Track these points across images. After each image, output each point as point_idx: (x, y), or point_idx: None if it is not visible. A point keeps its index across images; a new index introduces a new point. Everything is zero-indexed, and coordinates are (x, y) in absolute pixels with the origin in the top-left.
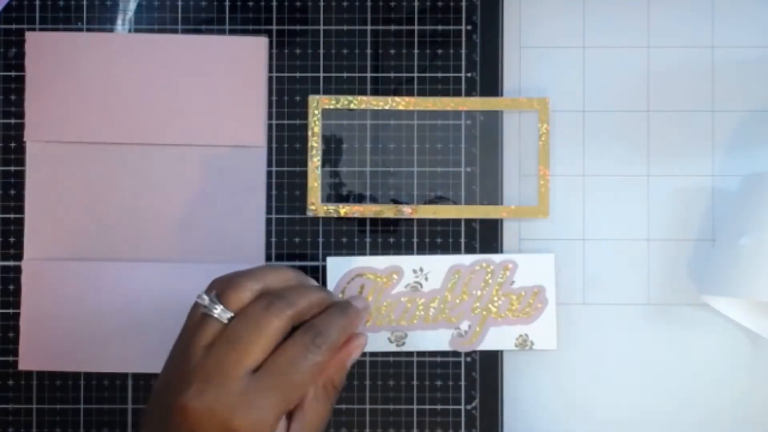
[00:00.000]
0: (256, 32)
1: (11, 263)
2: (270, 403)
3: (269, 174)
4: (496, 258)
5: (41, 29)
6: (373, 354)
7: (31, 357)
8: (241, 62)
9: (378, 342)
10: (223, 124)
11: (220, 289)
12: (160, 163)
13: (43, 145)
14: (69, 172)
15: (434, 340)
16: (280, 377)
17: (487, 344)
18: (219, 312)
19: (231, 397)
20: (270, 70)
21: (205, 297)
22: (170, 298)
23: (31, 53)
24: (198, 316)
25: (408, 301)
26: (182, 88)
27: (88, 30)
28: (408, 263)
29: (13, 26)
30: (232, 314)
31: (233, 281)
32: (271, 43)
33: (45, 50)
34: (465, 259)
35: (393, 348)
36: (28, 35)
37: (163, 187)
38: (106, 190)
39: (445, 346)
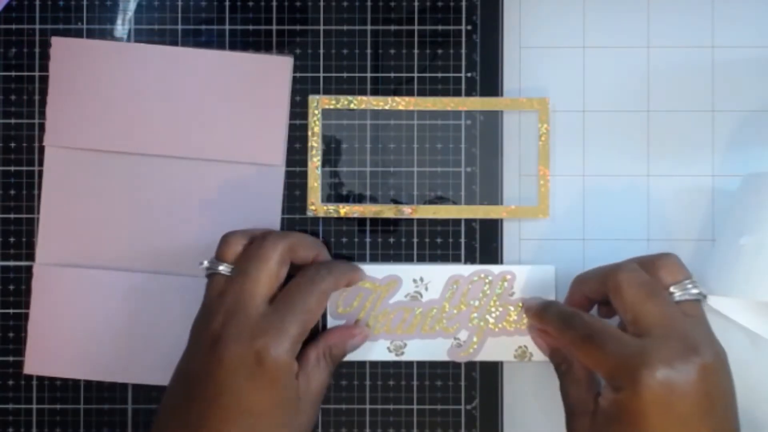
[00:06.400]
0: (255, 32)
1: (11, 263)
2: (288, 326)
3: None
4: (494, 269)
5: (41, 29)
6: (373, 362)
7: (38, 362)
8: (265, 81)
9: (378, 351)
10: (243, 141)
11: (216, 252)
12: (177, 175)
13: (62, 151)
14: (86, 179)
15: (433, 350)
16: (294, 303)
17: (485, 355)
18: (222, 268)
19: (253, 321)
20: None
21: (205, 262)
22: (181, 310)
23: (55, 59)
24: (208, 282)
25: (406, 310)
26: (204, 103)
27: (88, 29)
28: (408, 273)
29: (13, 26)
30: (233, 266)
31: (223, 240)
32: (270, 43)
33: (70, 56)
34: (464, 270)
35: (392, 357)
36: (54, 40)
37: (179, 200)
38: (121, 200)
39: (443, 357)
